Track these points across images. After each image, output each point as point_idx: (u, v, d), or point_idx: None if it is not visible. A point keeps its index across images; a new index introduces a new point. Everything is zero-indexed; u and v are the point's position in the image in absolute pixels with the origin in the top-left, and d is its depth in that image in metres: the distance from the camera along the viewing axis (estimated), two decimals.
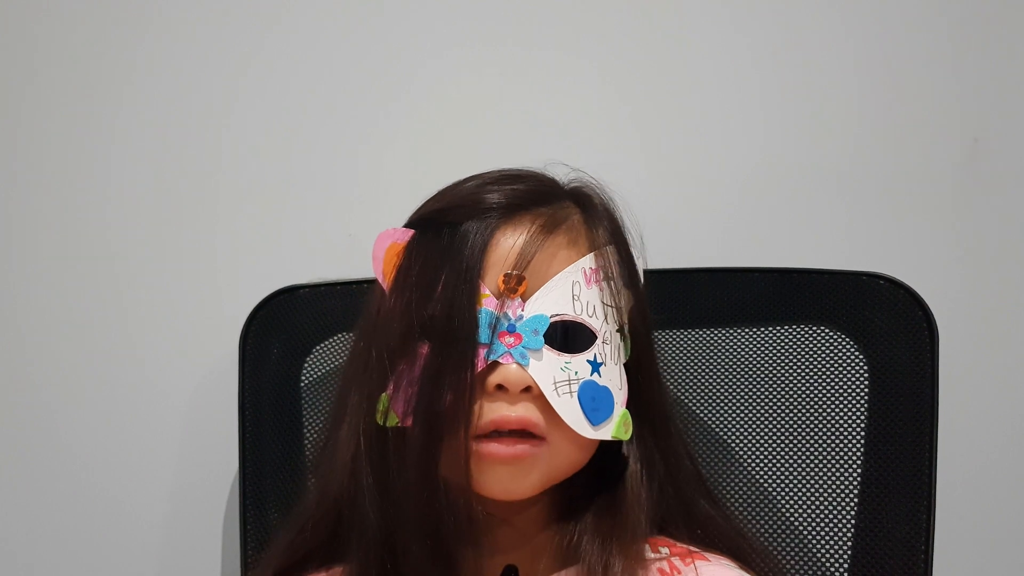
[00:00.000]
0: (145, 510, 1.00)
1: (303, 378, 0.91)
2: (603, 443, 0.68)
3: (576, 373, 0.65)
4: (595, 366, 0.66)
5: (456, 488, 0.64)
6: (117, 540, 1.00)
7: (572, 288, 0.66)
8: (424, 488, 0.63)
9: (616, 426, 0.67)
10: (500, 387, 0.64)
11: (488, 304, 0.64)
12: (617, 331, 0.69)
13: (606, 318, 0.68)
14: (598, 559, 0.64)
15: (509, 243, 0.66)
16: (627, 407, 0.68)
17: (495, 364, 0.64)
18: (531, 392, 0.64)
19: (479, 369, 0.63)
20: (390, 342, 0.66)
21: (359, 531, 0.66)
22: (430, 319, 0.65)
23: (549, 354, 0.65)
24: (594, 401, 0.65)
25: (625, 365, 0.70)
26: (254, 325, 0.91)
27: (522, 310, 0.65)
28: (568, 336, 0.66)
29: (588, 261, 0.68)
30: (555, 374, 0.64)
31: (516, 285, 0.65)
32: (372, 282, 0.71)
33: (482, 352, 0.64)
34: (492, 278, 0.65)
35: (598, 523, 0.67)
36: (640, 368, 0.71)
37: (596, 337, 0.67)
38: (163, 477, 1.00)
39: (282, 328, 0.91)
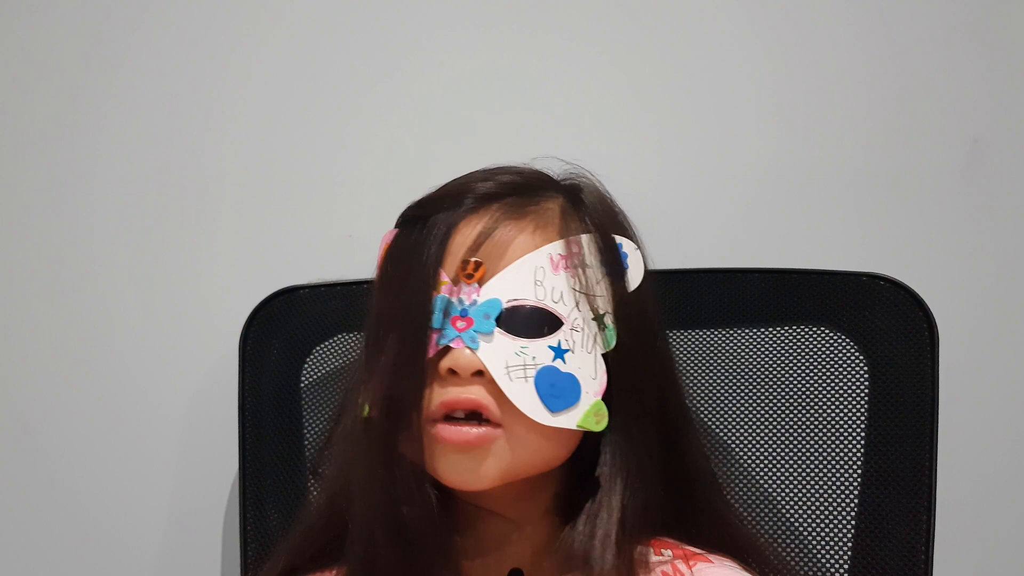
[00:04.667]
0: (145, 511, 1.00)
1: (303, 379, 0.91)
2: (595, 439, 0.67)
3: (534, 358, 0.65)
4: (559, 352, 0.65)
5: (420, 476, 0.64)
6: (117, 541, 1.00)
7: (535, 273, 0.66)
8: (386, 474, 0.64)
9: (585, 415, 0.65)
10: (452, 372, 0.64)
11: (445, 291, 0.65)
12: (594, 319, 0.67)
13: (577, 305, 0.66)
14: (601, 565, 0.63)
15: (470, 230, 0.67)
16: (606, 399, 0.66)
17: (447, 349, 0.64)
18: (483, 377, 0.64)
19: (431, 354, 0.64)
20: (369, 338, 0.68)
21: (349, 527, 0.67)
22: (395, 311, 0.67)
23: (502, 338, 0.65)
24: (553, 387, 0.64)
25: (609, 356, 0.67)
26: (254, 326, 0.91)
27: (477, 295, 0.65)
28: (527, 321, 0.65)
29: (556, 247, 0.67)
30: (508, 358, 0.64)
31: (473, 271, 0.66)
32: (372, 283, 0.71)
33: (435, 337, 0.64)
34: (453, 266, 0.66)
35: (596, 526, 0.65)
36: (629, 361, 0.68)
37: (562, 323, 0.66)
38: (163, 478, 1.00)
39: (282, 329, 0.91)
